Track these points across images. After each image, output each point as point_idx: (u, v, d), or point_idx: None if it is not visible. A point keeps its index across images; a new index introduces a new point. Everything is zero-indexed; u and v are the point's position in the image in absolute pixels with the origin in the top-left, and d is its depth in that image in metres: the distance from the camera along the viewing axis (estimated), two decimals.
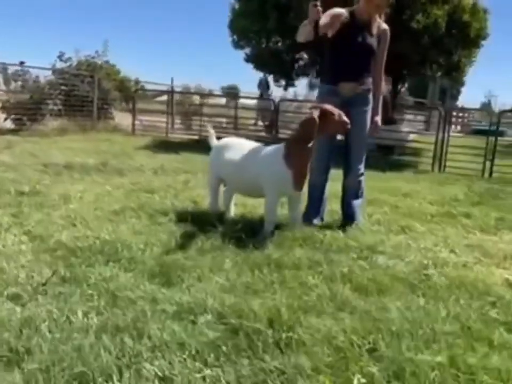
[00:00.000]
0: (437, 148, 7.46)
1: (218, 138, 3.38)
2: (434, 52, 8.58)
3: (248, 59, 10.94)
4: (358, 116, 2.98)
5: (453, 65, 9.52)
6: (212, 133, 3.44)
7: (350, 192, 3.28)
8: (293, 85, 11.72)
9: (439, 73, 10.43)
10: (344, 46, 3.00)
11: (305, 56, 10.99)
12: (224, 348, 1.53)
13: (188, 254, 2.41)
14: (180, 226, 2.93)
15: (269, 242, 2.71)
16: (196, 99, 12.63)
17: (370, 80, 3.08)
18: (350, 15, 2.97)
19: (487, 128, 12.31)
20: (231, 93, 20.14)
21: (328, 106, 2.78)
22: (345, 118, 2.75)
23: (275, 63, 10.46)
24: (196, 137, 10.68)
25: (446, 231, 3.36)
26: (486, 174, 6.99)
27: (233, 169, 3.06)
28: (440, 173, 7.17)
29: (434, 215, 3.87)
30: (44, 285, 2.01)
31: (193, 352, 1.51)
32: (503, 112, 9.15)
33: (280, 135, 10.05)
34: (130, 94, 11.55)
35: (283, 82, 11.55)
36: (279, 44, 10.36)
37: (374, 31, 2.99)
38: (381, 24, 3.03)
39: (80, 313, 1.73)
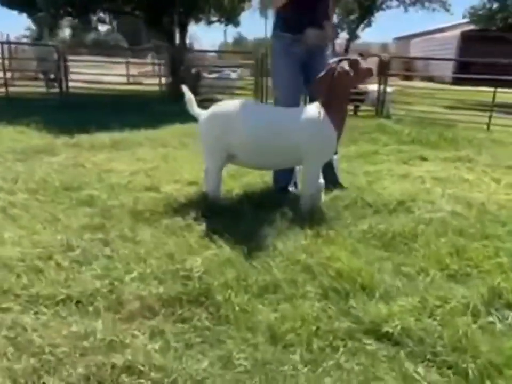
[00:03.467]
0: (257, 90, 7.84)
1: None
2: None
3: None
4: (321, 65, 2.73)
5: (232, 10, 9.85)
6: (191, 98, 2.66)
7: None
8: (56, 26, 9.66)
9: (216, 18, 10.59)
10: None
11: None
12: None
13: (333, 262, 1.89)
14: (214, 228, 2.21)
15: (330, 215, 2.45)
16: None
17: (329, 25, 2.89)
18: None
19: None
20: None
21: (352, 57, 2.62)
22: (368, 65, 2.63)
23: None
24: None
25: (401, 169, 3.76)
26: None
27: (260, 139, 2.49)
28: None
29: (365, 155, 4.24)
30: None
31: None
32: None
33: (72, 90, 8.44)
34: None
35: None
36: None
37: None
38: None
39: None
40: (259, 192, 2.93)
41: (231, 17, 10.18)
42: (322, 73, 2.49)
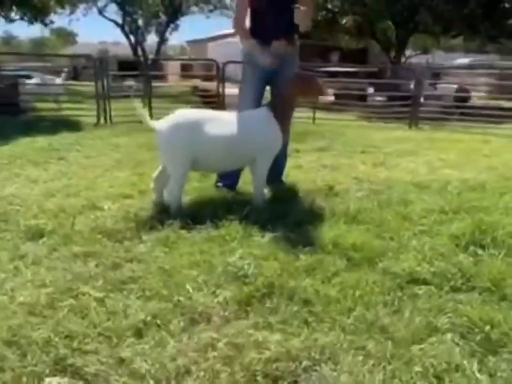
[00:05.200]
0: (98, 97, 7.40)
1: None
2: None
3: None
4: (290, 75, 3.02)
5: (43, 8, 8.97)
6: (145, 113, 2.61)
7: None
8: None
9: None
10: (267, 4, 2.96)
11: None
12: None
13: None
14: (210, 234, 2.30)
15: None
16: None
17: (295, 35, 3.14)
18: None
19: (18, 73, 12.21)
20: None
21: (306, 74, 2.99)
22: (321, 84, 3.00)
23: None
24: None
25: (291, 161, 4.28)
26: None
27: (221, 144, 2.64)
28: (114, 124, 7.29)
29: None
30: None
31: None
32: None
33: None
34: None
35: None
36: None
37: None
38: None
39: None
40: (211, 193, 3.02)
41: (41, 15, 9.15)
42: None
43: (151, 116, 7.64)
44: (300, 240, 2.23)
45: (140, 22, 17.43)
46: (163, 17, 17.03)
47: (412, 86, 8.00)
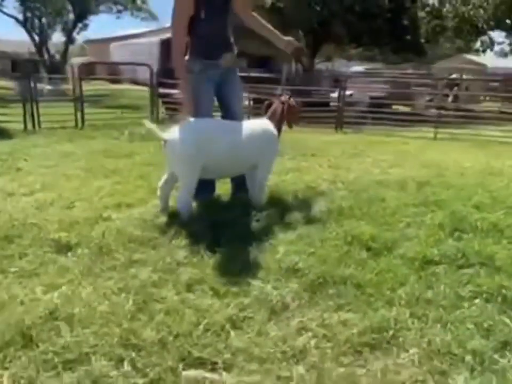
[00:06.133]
0: (25, 101, 6.93)
1: None
2: None
3: None
4: (235, 81, 3.26)
5: None
6: (153, 127, 2.69)
7: None
8: None
9: None
10: (209, 19, 2.97)
11: None
12: None
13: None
14: (238, 239, 2.49)
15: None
16: None
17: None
18: None
19: None
20: None
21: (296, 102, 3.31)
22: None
23: None
24: None
25: None
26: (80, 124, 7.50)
27: (231, 152, 2.83)
28: (43, 130, 6.89)
29: None
30: None
31: None
32: None
33: None
34: None
35: None
36: None
37: None
38: None
39: None
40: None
41: None
42: (275, 103, 3.14)
43: (83, 121, 7.49)
44: (320, 235, 2.53)
45: (44, 19, 16.15)
46: (70, 16, 16.02)
47: (335, 94, 8.74)
